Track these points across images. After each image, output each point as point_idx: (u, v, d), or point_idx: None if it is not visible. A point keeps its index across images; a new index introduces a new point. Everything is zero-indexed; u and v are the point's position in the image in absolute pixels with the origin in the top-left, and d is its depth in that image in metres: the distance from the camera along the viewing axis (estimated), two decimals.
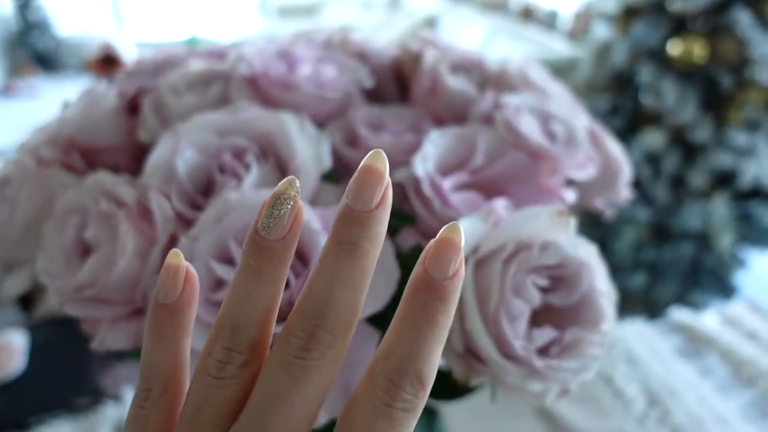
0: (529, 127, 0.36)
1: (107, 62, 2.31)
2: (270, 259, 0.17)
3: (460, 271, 0.17)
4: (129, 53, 2.37)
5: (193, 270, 0.19)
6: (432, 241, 0.17)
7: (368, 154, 0.17)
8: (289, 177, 0.17)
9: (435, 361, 0.17)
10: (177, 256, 0.18)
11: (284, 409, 0.16)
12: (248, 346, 0.17)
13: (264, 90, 0.38)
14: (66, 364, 0.82)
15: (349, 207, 0.17)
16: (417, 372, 0.17)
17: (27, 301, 0.91)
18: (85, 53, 2.57)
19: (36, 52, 2.64)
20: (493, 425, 0.70)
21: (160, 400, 0.18)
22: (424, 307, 0.17)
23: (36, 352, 0.83)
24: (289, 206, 0.17)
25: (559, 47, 2.43)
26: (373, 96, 0.45)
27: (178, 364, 0.19)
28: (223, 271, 0.27)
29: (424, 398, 0.17)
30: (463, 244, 0.17)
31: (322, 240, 0.28)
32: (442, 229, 0.17)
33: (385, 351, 0.17)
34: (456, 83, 0.40)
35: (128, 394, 0.72)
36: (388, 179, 0.17)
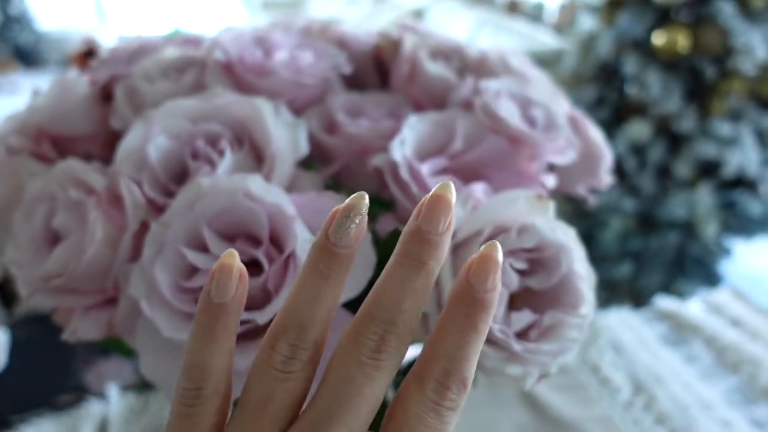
0: (509, 112, 0.36)
1: (89, 56, 2.27)
2: (339, 264, 0.19)
3: (498, 286, 0.19)
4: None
5: (245, 270, 0.20)
6: (475, 254, 0.19)
7: (439, 184, 0.19)
8: (360, 192, 0.19)
9: (474, 365, 0.19)
10: (232, 256, 0.19)
11: (357, 403, 0.18)
12: (313, 343, 0.19)
13: (239, 76, 0.37)
14: (48, 361, 0.81)
15: (419, 228, 0.19)
16: (461, 374, 0.19)
17: (7, 298, 0.89)
18: (67, 48, 2.53)
19: (16, 47, 2.59)
20: (479, 415, 0.70)
21: (212, 398, 0.19)
22: (467, 316, 0.19)
23: (17, 349, 0.81)
24: (359, 218, 0.19)
25: (545, 39, 2.43)
26: (354, 83, 0.45)
27: (227, 362, 0.20)
28: (195, 258, 0.27)
29: (464, 398, 0.19)
30: (501, 260, 0.19)
31: (297, 226, 0.27)
32: (484, 246, 0.19)
33: (431, 353, 0.19)
34: (435, 69, 0.40)
35: (112, 391, 0.71)
36: (454, 208, 0.19)
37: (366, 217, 0.19)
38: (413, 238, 0.19)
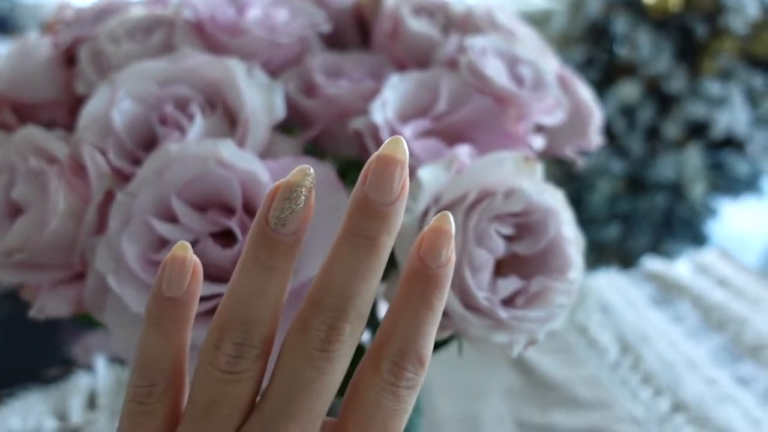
0: (495, 70, 0.34)
1: None
2: (283, 253, 0.17)
3: (452, 258, 0.18)
4: None
5: (199, 263, 0.18)
6: (424, 230, 0.18)
7: (387, 140, 0.17)
8: (302, 166, 0.17)
9: (432, 341, 0.18)
10: (184, 248, 0.17)
11: (309, 399, 0.17)
12: (261, 340, 0.17)
13: (210, 36, 0.35)
14: (34, 335, 0.80)
15: (366, 198, 0.16)
16: (417, 353, 0.18)
17: None
18: (43, 15, 2.44)
19: None
20: (468, 376, 0.71)
21: (164, 396, 0.18)
22: (420, 294, 0.18)
23: (3, 324, 0.80)
24: (304, 198, 0.16)
25: None
26: (333, 42, 0.43)
27: (181, 358, 0.18)
28: (164, 229, 0.25)
29: (423, 375, 0.18)
30: (453, 231, 0.18)
31: None
32: (434, 218, 0.18)
33: (385, 335, 0.18)
34: (418, 26, 0.38)
35: (100, 364, 0.71)
36: (407, 169, 0.17)
37: (312, 196, 0.17)
38: (360, 210, 0.17)
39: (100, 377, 0.68)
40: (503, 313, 0.26)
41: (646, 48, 1.43)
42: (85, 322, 0.31)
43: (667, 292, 0.84)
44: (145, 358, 0.18)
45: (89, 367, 0.71)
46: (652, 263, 0.87)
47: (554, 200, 0.29)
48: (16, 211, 0.28)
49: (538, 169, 0.30)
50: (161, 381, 0.18)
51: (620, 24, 1.46)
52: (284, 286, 0.18)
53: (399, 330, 0.18)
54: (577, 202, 1.51)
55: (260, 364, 0.18)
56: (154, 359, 0.18)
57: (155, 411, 0.18)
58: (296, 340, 0.17)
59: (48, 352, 0.76)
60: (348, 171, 0.40)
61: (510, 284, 0.27)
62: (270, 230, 0.16)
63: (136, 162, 0.28)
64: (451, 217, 0.18)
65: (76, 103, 0.36)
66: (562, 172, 1.49)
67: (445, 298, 0.18)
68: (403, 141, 0.16)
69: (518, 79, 0.35)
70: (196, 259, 0.18)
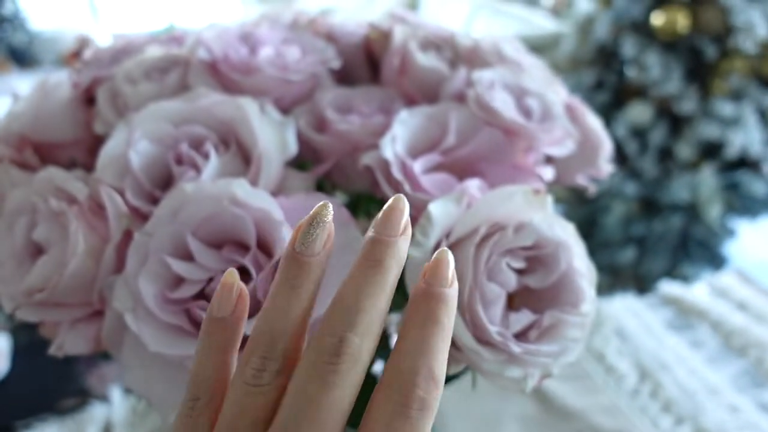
0: (503, 103, 0.35)
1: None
2: (307, 273, 0.19)
3: (455, 283, 0.19)
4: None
5: (245, 289, 0.20)
6: (427, 263, 0.20)
7: (391, 198, 0.20)
8: (323, 201, 0.20)
9: (444, 358, 0.18)
10: (232, 275, 0.20)
11: (314, 412, 0.17)
12: (282, 354, 0.19)
13: (224, 75, 0.36)
14: (51, 365, 0.80)
15: (375, 232, 0.19)
16: (428, 368, 0.18)
17: None
18: (61, 47, 2.51)
19: (10, 48, 2.57)
20: (485, 406, 0.70)
21: (206, 409, 0.19)
22: (427, 311, 0.19)
23: (20, 354, 0.81)
24: (324, 226, 0.19)
25: (543, 23, 2.40)
26: (344, 77, 0.43)
27: (224, 374, 0.20)
28: (180, 267, 0.26)
29: (437, 395, 0.18)
30: (453, 261, 0.20)
31: (285, 231, 0.26)
32: (436, 253, 0.20)
33: (395, 354, 0.18)
34: (426, 60, 0.39)
35: (115, 394, 0.71)
36: (408, 218, 0.20)
37: (332, 226, 0.20)
38: (369, 243, 0.19)
39: (115, 408, 0.69)
40: (516, 348, 0.26)
41: (655, 69, 1.43)
42: (100, 354, 0.32)
43: (686, 316, 0.82)
44: (193, 373, 0.20)
45: (105, 398, 0.71)
46: (668, 287, 0.86)
47: (565, 233, 0.29)
48: (37, 251, 0.28)
49: (548, 201, 0.30)
50: (205, 394, 0.19)
51: (629, 46, 1.47)
52: (308, 306, 0.19)
53: (407, 346, 0.18)
54: (590, 224, 1.50)
55: (282, 379, 0.19)
56: (201, 374, 0.20)
57: (198, 424, 0.19)
58: (308, 355, 0.18)
59: (64, 383, 0.77)
60: (359, 204, 0.40)
61: (522, 318, 0.27)
62: (296, 253, 0.19)
63: (154, 201, 0.29)
64: (450, 254, 0.20)
65: (96, 143, 0.37)
66: (575, 196, 1.49)
67: (453, 317, 0.19)
68: (404, 198, 0.20)
69: (526, 112, 0.36)
70: (242, 285, 0.20)
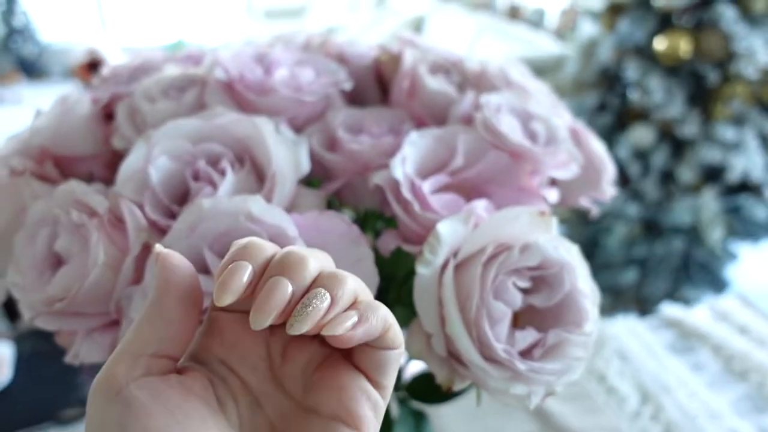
0: (510, 127, 0.36)
1: (93, 68, 2.29)
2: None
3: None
4: (115, 58, 2.35)
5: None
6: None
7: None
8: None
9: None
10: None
11: None
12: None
13: (240, 95, 0.37)
14: (53, 374, 0.81)
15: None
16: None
17: (12, 311, 0.90)
18: (70, 59, 2.54)
19: (20, 59, 2.60)
20: (486, 425, 0.70)
21: None
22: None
23: (22, 363, 0.81)
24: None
25: (547, 45, 2.43)
26: (355, 99, 0.45)
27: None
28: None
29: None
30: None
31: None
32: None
33: None
34: (435, 84, 0.40)
35: None
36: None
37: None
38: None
39: None
40: (521, 365, 0.27)
41: (658, 93, 1.45)
42: None
43: (687, 339, 0.83)
44: None
45: None
46: (670, 309, 0.87)
47: (569, 255, 0.30)
48: (57, 262, 0.29)
49: (553, 223, 0.31)
50: None
51: (632, 70, 1.49)
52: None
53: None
54: (593, 245, 1.50)
55: None
56: None
57: None
58: None
59: (66, 393, 0.77)
60: (368, 221, 0.41)
61: (527, 336, 0.28)
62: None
63: (171, 215, 0.30)
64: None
65: (114, 158, 0.38)
66: (578, 217, 1.49)
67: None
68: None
69: (532, 135, 0.37)
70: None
